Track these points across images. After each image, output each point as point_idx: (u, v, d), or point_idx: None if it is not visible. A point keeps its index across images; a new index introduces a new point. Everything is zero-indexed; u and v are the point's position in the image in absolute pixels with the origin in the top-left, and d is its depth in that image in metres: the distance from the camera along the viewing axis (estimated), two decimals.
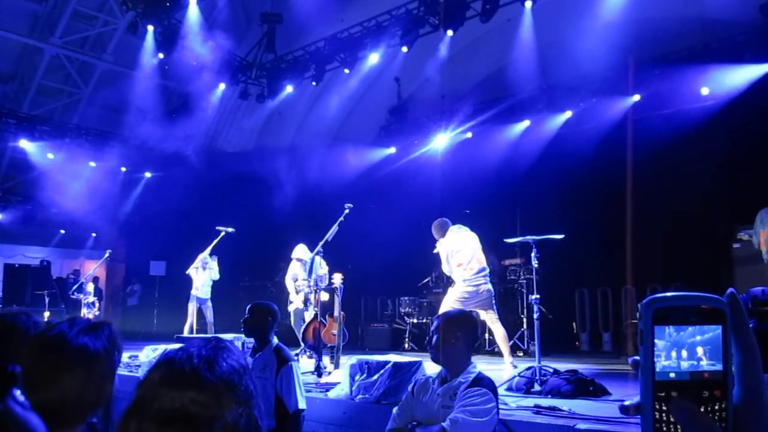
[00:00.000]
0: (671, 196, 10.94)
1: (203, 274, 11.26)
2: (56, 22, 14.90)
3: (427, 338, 3.38)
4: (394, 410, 3.48)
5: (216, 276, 11.40)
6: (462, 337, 3.28)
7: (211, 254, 11.22)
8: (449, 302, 7.57)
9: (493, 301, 7.59)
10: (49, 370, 1.47)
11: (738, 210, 9.46)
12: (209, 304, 11.40)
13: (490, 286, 7.60)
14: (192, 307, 11.22)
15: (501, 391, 5.59)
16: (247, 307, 4.64)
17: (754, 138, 10.04)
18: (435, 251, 8.07)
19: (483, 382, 3.19)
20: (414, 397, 3.37)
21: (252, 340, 4.66)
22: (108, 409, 1.57)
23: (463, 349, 3.29)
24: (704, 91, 10.71)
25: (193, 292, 11.23)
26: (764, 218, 8.23)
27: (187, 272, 11.39)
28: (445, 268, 7.79)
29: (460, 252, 7.58)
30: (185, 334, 10.76)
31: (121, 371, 7.76)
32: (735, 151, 10.27)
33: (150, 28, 13.11)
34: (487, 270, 7.69)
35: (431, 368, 5.78)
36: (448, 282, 11.46)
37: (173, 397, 1.07)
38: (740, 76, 10.26)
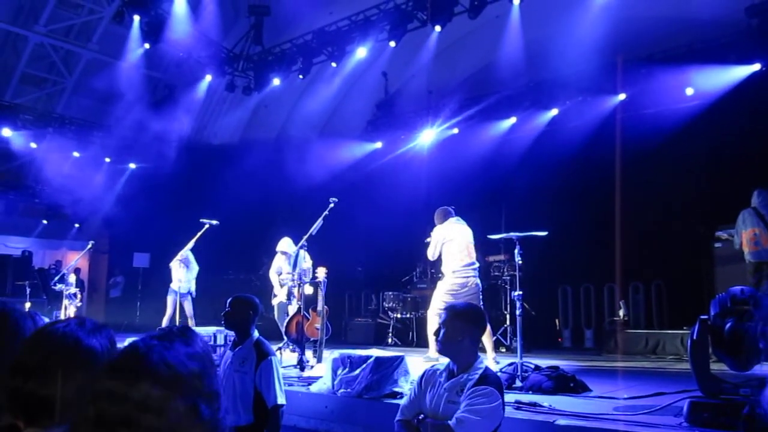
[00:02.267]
0: (654, 196, 11.04)
1: (182, 270, 11.26)
2: (41, 10, 14.69)
3: (436, 330, 3.38)
4: (403, 401, 3.45)
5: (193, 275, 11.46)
6: (468, 332, 3.27)
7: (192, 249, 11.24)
8: (439, 295, 7.61)
9: (481, 297, 7.62)
10: (61, 367, 1.46)
11: (720, 210, 9.55)
12: (189, 297, 11.41)
13: (478, 280, 7.65)
14: (171, 300, 11.21)
15: None
16: (228, 301, 4.60)
17: (736, 139, 10.13)
18: (428, 240, 8.08)
19: (488, 380, 3.17)
20: (421, 389, 3.34)
21: (234, 333, 4.63)
22: None
23: (469, 344, 3.28)
24: (689, 91, 10.79)
25: (173, 286, 11.23)
26: (746, 219, 8.31)
27: (170, 264, 11.37)
28: (430, 252, 7.80)
29: (453, 241, 7.63)
30: (165, 325, 10.75)
31: None
32: (718, 151, 10.36)
33: (136, 17, 12.96)
34: (477, 265, 7.73)
35: (413, 363, 5.80)
36: (433, 277, 11.50)
37: (121, 387, 1.14)
38: (725, 77, 10.34)
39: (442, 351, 3.35)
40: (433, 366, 3.48)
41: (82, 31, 15.73)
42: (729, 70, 10.28)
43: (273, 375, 4.26)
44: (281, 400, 4.28)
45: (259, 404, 4.20)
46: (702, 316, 3.90)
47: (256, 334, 4.51)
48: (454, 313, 3.36)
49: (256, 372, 4.25)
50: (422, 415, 3.22)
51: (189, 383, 1.18)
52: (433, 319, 7.53)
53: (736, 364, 3.81)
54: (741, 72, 10.22)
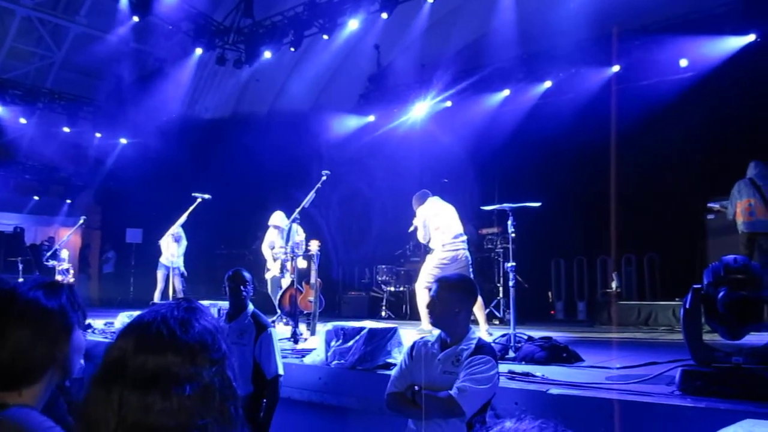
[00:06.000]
0: (648, 168, 11.03)
1: (174, 244, 11.24)
2: None
3: (429, 302, 3.37)
4: (393, 373, 3.43)
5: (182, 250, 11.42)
6: (461, 303, 3.27)
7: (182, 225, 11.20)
8: (428, 269, 7.60)
9: (471, 270, 7.62)
10: None
11: (712, 182, 9.57)
12: (179, 272, 11.40)
13: (468, 253, 7.64)
14: (161, 275, 11.20)
15: None
16: (227, 274, 4.67)
17: (730, 110, 10.10)
18: (411, 229, 8.08)
19: (485, 349, 3.22)
20: (413, 360, 3.32)
21: (226, 305, 4.69)
22: (65, 371, 1.55)
23: (463, 315, 3.29)
24: (683, 62, 10.73)
25: (163, 261, 11.21)
26: (742, 189, 8.33)
27: (160, 242, 11.36)
28: (421, 235, 7.80)
29: (438, 216, 7.62)
30: (157, 300, 10.77)
31: (96, 337, 7.73)
32: (711, 123, 10.33)
33: None
34: (465, 237, 7.72)
35: (406, 335, 5.82)
36: (426, 250, 11.50)
37: (152, 361, 1.12)
38: (719, 48, 10.26)
39: (436, 324, 3.35)
40: (422, 338, 3.47)
41: (69, 4, 15.46)
42: (724, 40, 10.20)
43: (272, 347, 4.38)
44: (280, 370, 4.43)
45: (257, 375, 4.34)
46: (695, 286, 3.91)
47: (251, 306, 4.57)
48: (446, 285, 3.35)
49: (255, 344, 4.36)
50: (416, 387, 3.20)
51: (210, 349, 1.18)
52: (422, 293, 7.54)
53: (729, 333, 3.82)
54: (736, 43, 10.15)
